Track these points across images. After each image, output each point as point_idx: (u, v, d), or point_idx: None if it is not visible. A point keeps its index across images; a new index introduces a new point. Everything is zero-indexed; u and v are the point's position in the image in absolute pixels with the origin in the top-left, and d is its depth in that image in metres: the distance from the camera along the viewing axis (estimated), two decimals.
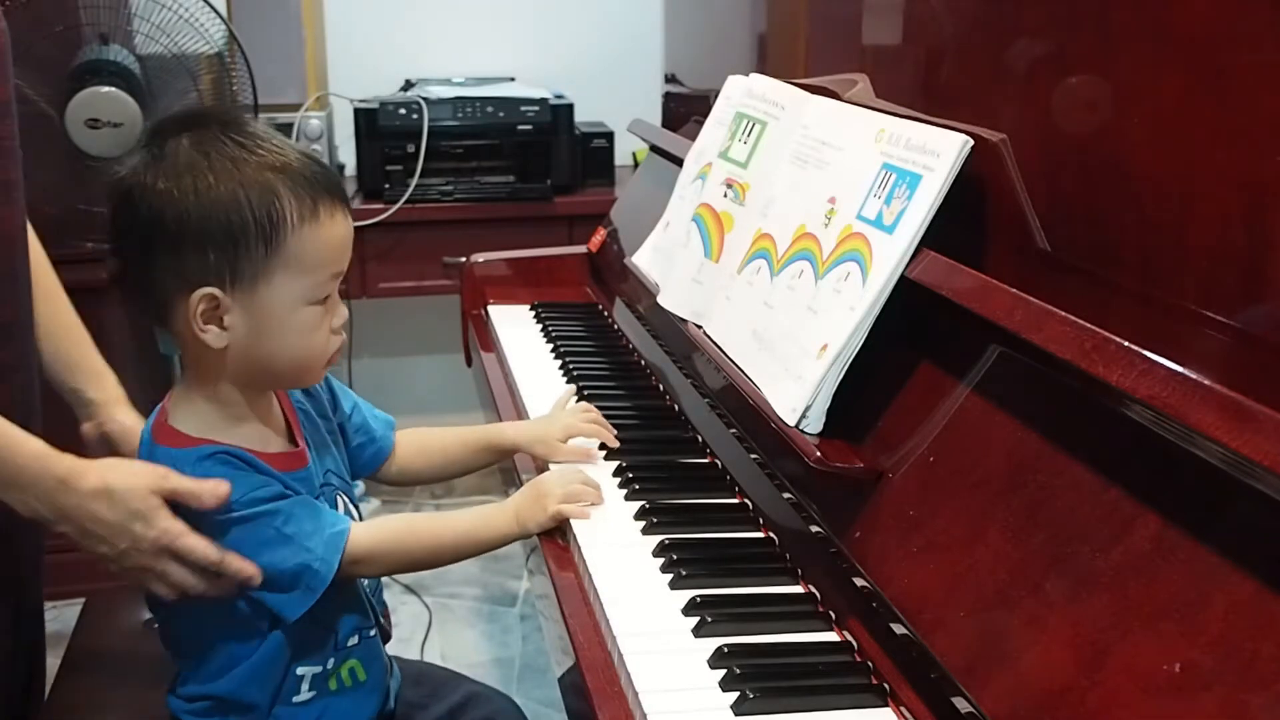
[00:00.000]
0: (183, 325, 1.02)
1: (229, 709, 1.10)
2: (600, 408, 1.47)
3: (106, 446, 1.26)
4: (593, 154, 2.78)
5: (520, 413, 1.54)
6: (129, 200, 1.01)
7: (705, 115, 1.63)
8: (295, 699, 1.11)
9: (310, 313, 1.03)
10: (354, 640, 1.14)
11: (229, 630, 1.08)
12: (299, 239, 1.01)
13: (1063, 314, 0.84)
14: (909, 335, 1.06)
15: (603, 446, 1.35)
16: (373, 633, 1.17)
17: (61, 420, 1.30)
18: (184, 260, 0.99)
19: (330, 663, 1.13)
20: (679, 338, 1.47)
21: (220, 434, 1.05)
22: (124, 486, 1.01)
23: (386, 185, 2.62)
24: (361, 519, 1.19)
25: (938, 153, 1.03)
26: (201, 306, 1.00)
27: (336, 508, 1.14)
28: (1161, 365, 0.73)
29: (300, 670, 1.11)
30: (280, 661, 1.10)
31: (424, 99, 2.64)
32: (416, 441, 1.32)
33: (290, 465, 1.09)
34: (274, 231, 1.00)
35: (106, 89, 2.05)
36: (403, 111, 2.62)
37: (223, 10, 2.26)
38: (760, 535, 1.19)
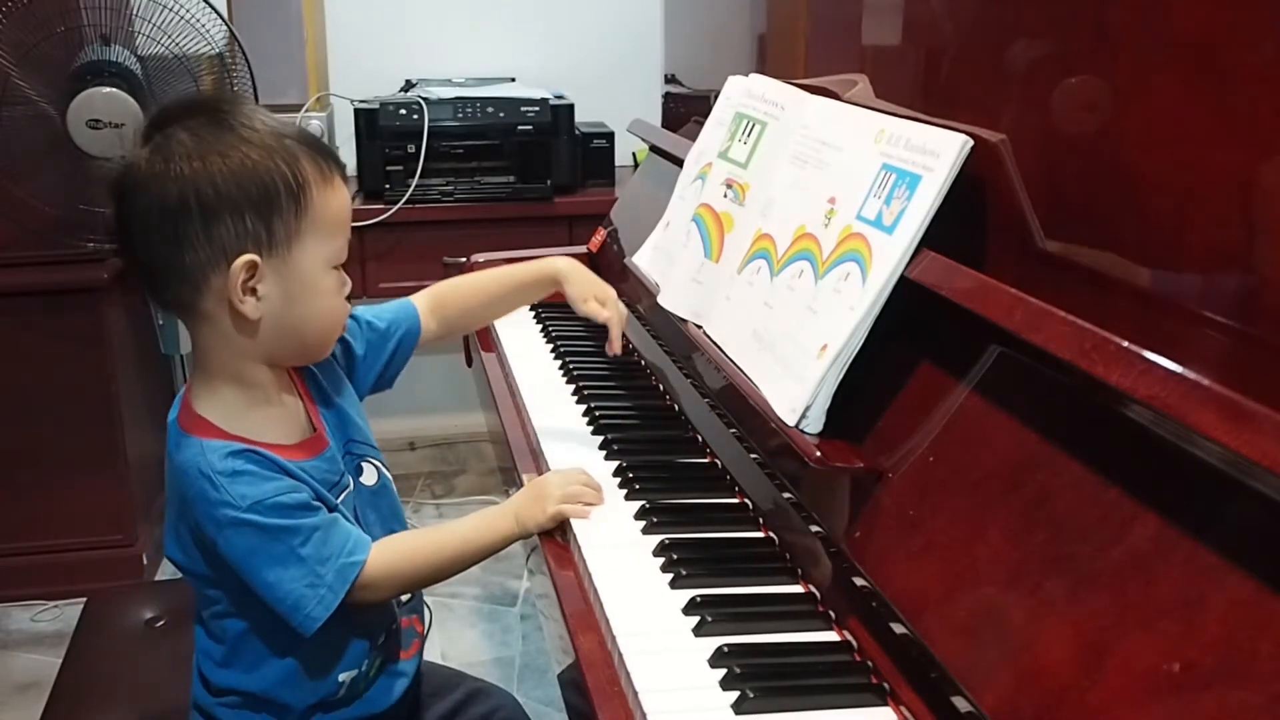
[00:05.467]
0: (214, 304, 1.03)
1: (261, 706, 1.11)
2: (600, 408, 1.48)
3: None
4: (593, 154, 2.78)
5: (520, 413, 1.54)
6: (147, 189, 1.01)
7: (705, 115, 1.63)
8: (331, 699, 1.13)
9: (334, 276, 1.07)
10: (383, 639, 1.17)
11: (269, 629, 1.09)
12: (323, 200, 1.04)
13: (1062, 314, 0.84)
14: (909, 335, 1.06)
15: (605, 445, 1.36)
16: (394, 625, 1.19)
17: None
18: (221, 231, 1.00)
19: (365, 664, 1.15)
20: (679, 338, 1.47)
21: (244, 424, 1.06)
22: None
23: (387, 185, 2.62)
24: (390, 475, 1.20)
25: (937, 153, 1.03)
26: (243, 275, 1.01)
27: (362, 474, 1.16)
28: (1161, 365, 0.73)
29: (341, 676, 1.13)
30: (323, 667, 1.11)
31: (424, 99, 2.64)
32: (450, 297, 1.35)
33: (313, 451, 1.10)
34: (301, 192, 1.03)
35: (108, 90, 2.06)
36: (403, 112, 2.62)
37: (223, 11, 2.26)
38: (760, 535, 1.19)
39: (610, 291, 1.41)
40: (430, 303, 1.35)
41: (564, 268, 1.40)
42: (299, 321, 1.06)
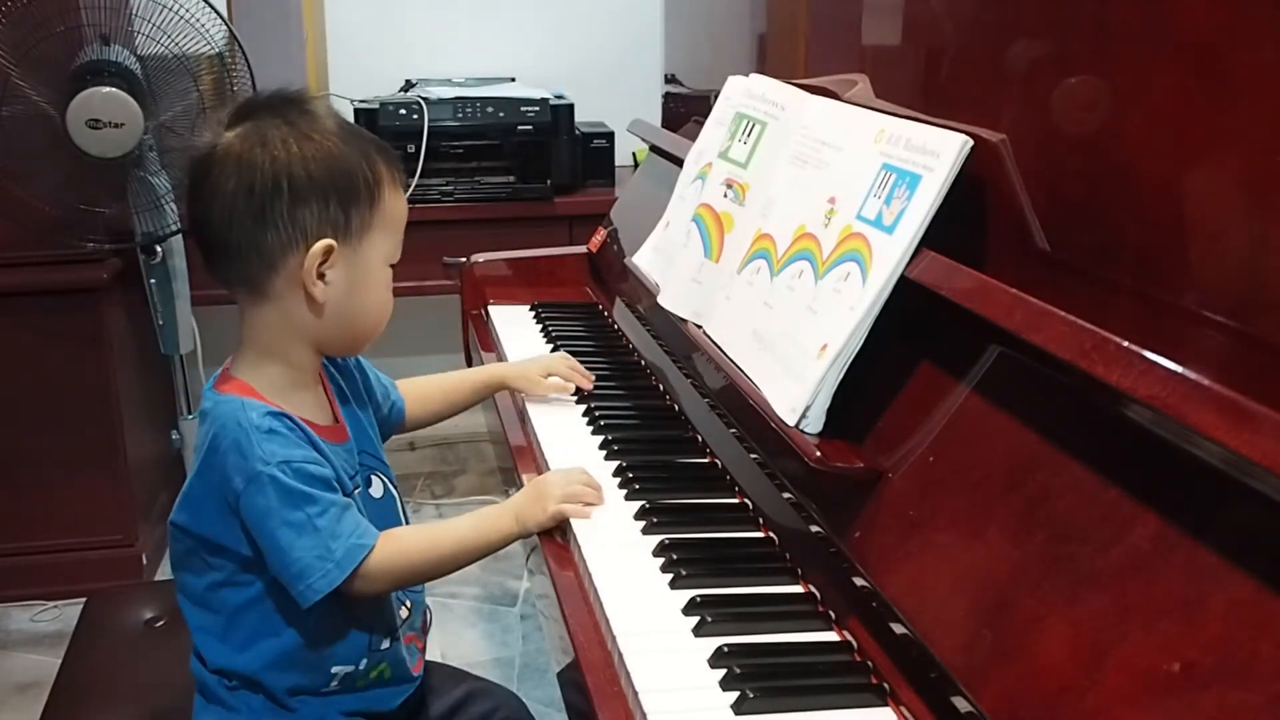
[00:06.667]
0: (284, 285, 1.07)
1: (255, 688, 1.12)
2: (600, 408, 1.48)
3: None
4: (593, 154, 2.78)
5: (520, 413, 1.54)
6: (239, 168, 1.05)
7: (705, 115, 1.63)
8: (323, 689, 1.14)
9: (389, 273, 1.13)
10: (386, 644, 1.17)
11: (268, 603, 1.10)
12: (392, 198, 1.12)
13: (1062, 314, 0.84)
14: (909, 335, 1.06)
15: (605, 445, 1.36)
16: (397, 632, 1.19)
17: None
18: (305, 214, 1.06)
19: (363, 664, 1.15)
20: (679, 338, 1.47)
21: (283, 398, 1.09)
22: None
23: None
24: (400, 496, 1.22)
25: (937, 153, 1.03)
26: (319, 259, 1.06)
27: (371, 486, 1.18)
28: (1161, 365, 0.73)
29: (335, 669, 1.14)
30: (315, 655, 1.12)
31: (424, 99, 2.64)
32: (417, 392, 1.39)
33: (336, 437, 1.14)
34: (376, 189, 1.10)
35: (107, 89, 2.05)
36: (403, 112, 2.62)
37: (223, 10, 2.26)
38: (760, 535, 1.19)
39: (552, 363, 1.52)
40: (408, 390, 1.40)
41: (504, 373, 1.51)
42: (356, 310, 1.11)
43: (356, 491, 1.15)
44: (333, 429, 1.15)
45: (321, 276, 1.07)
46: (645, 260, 1.68)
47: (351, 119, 2.66)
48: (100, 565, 2.41)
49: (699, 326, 1.39)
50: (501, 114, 2.67)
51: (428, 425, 1.43)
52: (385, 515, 1.19)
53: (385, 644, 1.17)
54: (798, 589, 1.08)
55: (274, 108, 1.09)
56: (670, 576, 1.08)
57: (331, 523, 1.05)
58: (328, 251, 1.06)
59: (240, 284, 1.09)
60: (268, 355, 1.10)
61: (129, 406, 2.44)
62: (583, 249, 2.10)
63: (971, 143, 1.02)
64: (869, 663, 0.95)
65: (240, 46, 2.16)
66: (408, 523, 1.23)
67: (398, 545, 1.11)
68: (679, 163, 1.68)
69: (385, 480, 1.21)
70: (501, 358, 1.76)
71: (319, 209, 1.06)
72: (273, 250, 1.06)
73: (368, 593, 1.10)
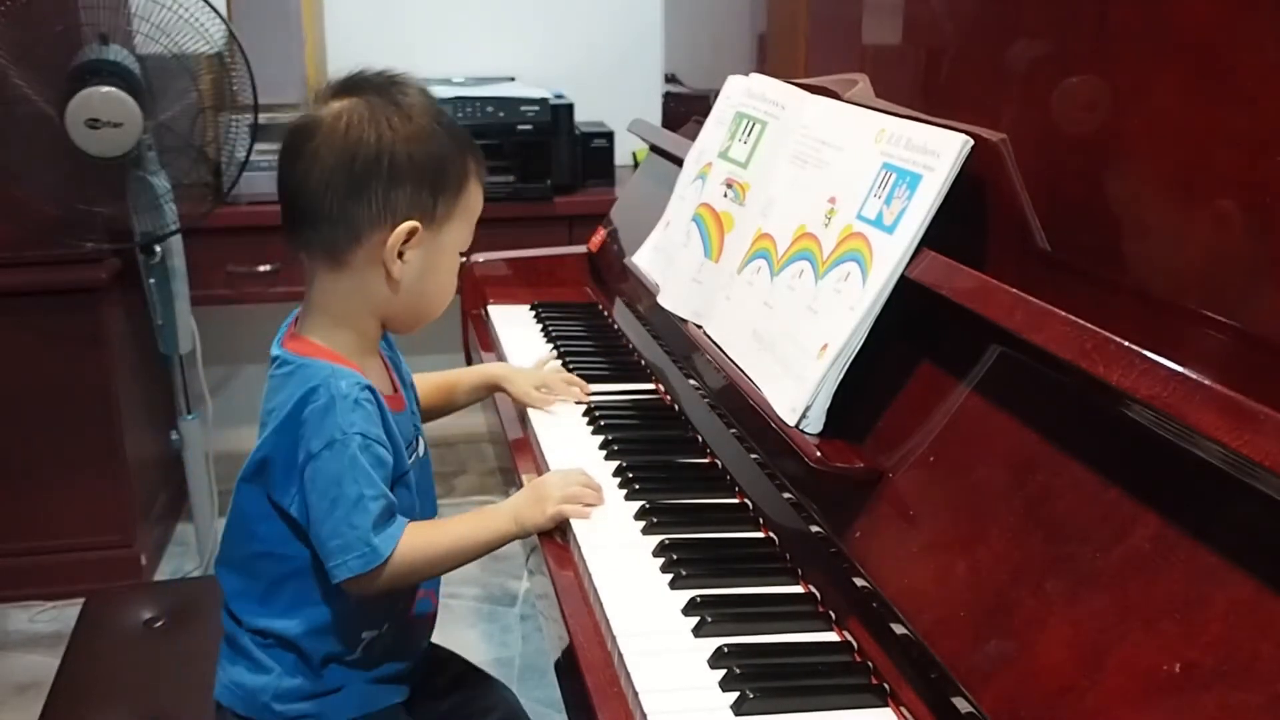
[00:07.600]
0: (364, 258, 1.11)
1: (289, 648, 1.15)
2: (600, 407, 1.48)
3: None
4: (593, 154, 2.78)
5: (521, 412, 1.54)
6: (344, 141, 1.08)
7: (705, 115, 1.63)
8: (348, 657, 1.16)
9: (458, 262, 1.18)
10: (405, 604, 1.20)
11: (305, 576, 1.13)
12: (474, 191, 1.17)
13: (1063, 314, 0.84)
14: (909, 335, 1.06)
15: (606, 445, 1.36)
16: (412, 598, 1.22)
17: None
18: (398, 195, 1.09)
19: (385, 626, 1.17)
20: (679, 338, 1.47)
21: (359, 364, 1.12)
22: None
23: None
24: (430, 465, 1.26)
25: (938, 153, 1.03)
26: (404, 239, 1.10)
27: (417, 448, 1.21)
28: (1161, 365, 0.73)
29: (364, 634, 1.16)
30: (352, 625, 1.15)
31: None
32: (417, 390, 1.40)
33: (398, 406, 1.17)
34: (464, 180, 1.15)
35: (106, 89, 2.05)
36: None
37: (223, 10, 2.26)
38: (760, 535, 1.19)
39: (546, 375, 1.52)
40: None
41: (501, 372, 1.52)
42: (425, 292, 1.15)
43: (416, 457, 1.18)
44: (394, 398, 1.18)
45: (401, 255, 1.10)
46: (645, 260, 1.67)
47: None
48: (99, 566, 2.41)
49: (699, 326, 1.39)
50: (501, 114, 2.66)
51: (424, 423, 1.43)
52: (425, 473, 1.23)
53: (405, 604, 1.19)
54: (798, 589, 1.08)
55: (379, 87, 1.12)
56: (670, 577, 1.08)
57: (379, 510, 1.08)
58: (412, 232, 1.10)
59: (320, 250, 1.11)
60: (340, 322, 1.13)
61: (128, 406, 2.44)
62: (583, 249, 2.10)
63: (972, 142, 1.01)
64: (869, 663, 0.95)
65: (239, 46, 2.16)
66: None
67: (409, 539, 1.11)
68: (679, 162, 1.68)
69: (424, 440, 1.25)
70: (501, 358, 1.76)
71: (412, 191, 1.09)
72: (361, 224, 1.09)
73: (380, 587, 1.10)
